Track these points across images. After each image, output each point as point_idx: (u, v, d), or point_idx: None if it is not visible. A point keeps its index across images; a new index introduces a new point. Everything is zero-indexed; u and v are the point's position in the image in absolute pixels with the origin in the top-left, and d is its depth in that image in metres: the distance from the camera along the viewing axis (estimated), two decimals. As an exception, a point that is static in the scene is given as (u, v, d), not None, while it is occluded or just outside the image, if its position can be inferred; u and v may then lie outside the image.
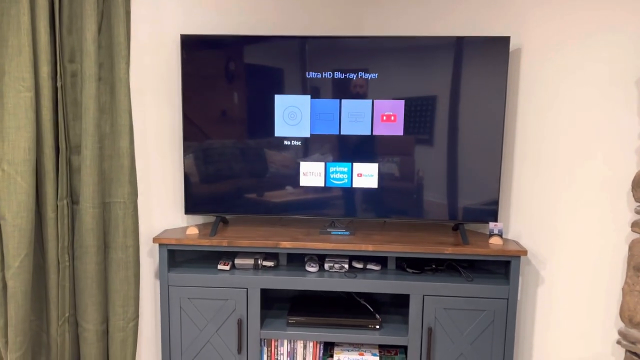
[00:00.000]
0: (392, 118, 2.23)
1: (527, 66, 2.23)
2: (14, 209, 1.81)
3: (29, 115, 1.81)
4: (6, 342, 1.91)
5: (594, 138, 2.02)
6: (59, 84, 1.92)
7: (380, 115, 2.24)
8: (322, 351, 2.36)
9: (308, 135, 2.27)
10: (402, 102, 2.22)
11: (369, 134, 2.25)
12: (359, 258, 2.37)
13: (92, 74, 1.93)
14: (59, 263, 1.98)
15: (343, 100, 2.24)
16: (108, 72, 2.02)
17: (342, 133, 2.26)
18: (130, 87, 2.15)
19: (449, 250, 2.15)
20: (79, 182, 2.01)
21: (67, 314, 2.04)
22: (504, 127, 2.24)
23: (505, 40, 2.14)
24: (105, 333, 2.12)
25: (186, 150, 2.31)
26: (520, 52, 2.24)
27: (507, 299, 2.16)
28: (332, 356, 2.36)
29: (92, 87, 1.93)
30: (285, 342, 2.34)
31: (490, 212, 2.26)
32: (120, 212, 2.06)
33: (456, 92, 2.20)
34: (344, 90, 2.23)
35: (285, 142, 2.29)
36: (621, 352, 1.97)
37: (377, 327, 2.27)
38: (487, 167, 2.23)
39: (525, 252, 2.12)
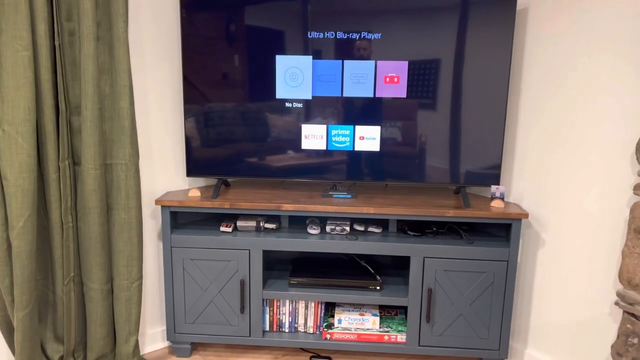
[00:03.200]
0: (396, 80, 2.20)
1: (533, 27, 2.18)
2: (16, 170, 1.81)
3: (27, 75, 1.79)
4: (12, 301, 1.94)
5: (600, 101, 2.00)
6: (56, 43, 1.89)
7: (383, 77, 2.20)
8: (323, 311, 2.40)
9: (310, 97, 2.25)
10: (406, 63, 2.18)
11: (372, 96, 2.22)
12: (360, 221, 2.39)
13: (90, 33, 1.89)
14: (62, 224, 1.99)
15: (345, 61, 2.20)
16: (106, 31, 1.98)
17: (344, 95, 2.23)
18: (130, 47, 2.11)
19: (450, 214, 2.16)
20: (80, 144, 2.00)
21: (72, 274, 2.06)
22: (508, 90, 2.21)
23: (512, 0, 2.09)
24: (110, 292, 2.15)
25: (187, 112, 2.29)
26: (527, 12, 2.19)
27: (507, 261, 2.18)
28: (333, 316, 2.41)
29: (90, 47, 1.90)
30: (287, 302, 2.38)
31: (492, 175, 2.25)
32: (122, 173, 2.05)
33: (460, 53, 2.16)
34: (346, 51, 2.19)
35: (287, 104, 2.26)
36: (619, 313, 2.00)
37: (378, 288, 2.30)
38: (491, 131, 2.21)
39: (526, 215, 2.12)
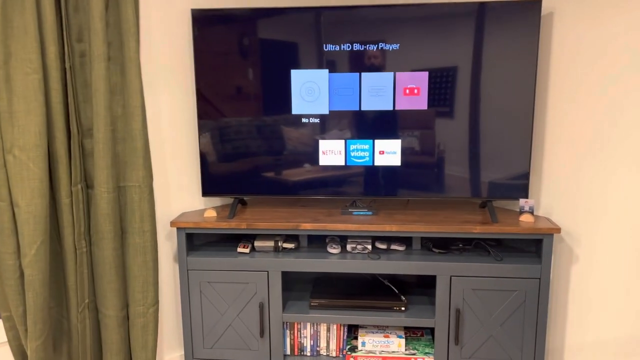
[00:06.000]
0: (416, 91, 2.12)
1: (560, 31, 2.08)
2: (28, 196, 1.76)
3: (38, 98, 1.74)
4: (26, 330, 1.88)
5: (633, 108, 1.89)
6: (67, 65, 1.85)
7: (402, 89, 2.12)
8: (346, 333, 2.30)
9: (327, 112, 2.17)
10: (426, 74, 2.10)
11: (391, 108, 2.14)
12: (382, 239, 2.29)
13: (101, 54, 1.84)
14: (76, 249, 1.93)
15: (363, 74, 2.12)
16: (117, 51, 1.93)
17: (362, 109, 2.15)
18: (141, 66, 2.07)
19: (477, 230, 2.05)
20: (93, 167, 1.95)
21: (86, 301, 2.00)
22: (535, 97, 2.11)
23: (536, 4, 2.00)
24: (126, 319, 2.09)
25: (201, 130, 2.23)
26: (552, 16, 2.09)
27: (540, 278, 2.06)
28: (356, 338, 2.31)
29: (102, 67, 1.85)
30: (309, 325, 2.29)
31: (520, 187, 2.15)
32: (136, 196, 1.99)
33: (483, 62, 2.07)
34: (363, 63, 2.12)
35: (303, 120, 2.19)
36: (662, 333, 1.88)
37: (403, 308, 2.19)
38: (517, 141, 2.11)
39: (559, 230, 2.01)
